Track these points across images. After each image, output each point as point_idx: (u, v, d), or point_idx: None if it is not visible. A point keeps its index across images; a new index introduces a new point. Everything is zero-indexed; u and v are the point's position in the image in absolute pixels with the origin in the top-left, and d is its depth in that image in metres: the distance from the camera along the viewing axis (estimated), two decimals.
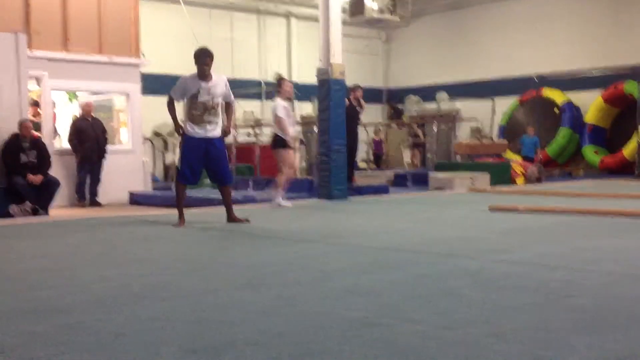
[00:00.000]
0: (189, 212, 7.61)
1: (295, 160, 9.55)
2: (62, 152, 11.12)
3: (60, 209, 10.03)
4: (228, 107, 7.30)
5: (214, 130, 7.06)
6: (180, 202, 7.20)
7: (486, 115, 18.92)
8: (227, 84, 7.19)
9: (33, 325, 3.05)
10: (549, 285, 3.82)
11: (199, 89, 6.96)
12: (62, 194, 10.36)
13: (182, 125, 7.10)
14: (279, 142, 9.08)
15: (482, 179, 12.99)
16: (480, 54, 20.42)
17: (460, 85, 20.37)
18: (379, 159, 18.87)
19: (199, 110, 6.98)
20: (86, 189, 10.97)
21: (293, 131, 9.24)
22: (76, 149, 11.01)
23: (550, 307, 3.35)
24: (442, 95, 20.45)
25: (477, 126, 19.63)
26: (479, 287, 3.78)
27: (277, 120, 9.02)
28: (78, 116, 11.62)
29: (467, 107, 20.12)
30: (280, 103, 9.08)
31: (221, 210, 7.48)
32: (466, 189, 12.09)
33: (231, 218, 7.26)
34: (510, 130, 18.68)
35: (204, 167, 7.19)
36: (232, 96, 7.28)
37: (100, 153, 11.13)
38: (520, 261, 4.64)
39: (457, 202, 9.89)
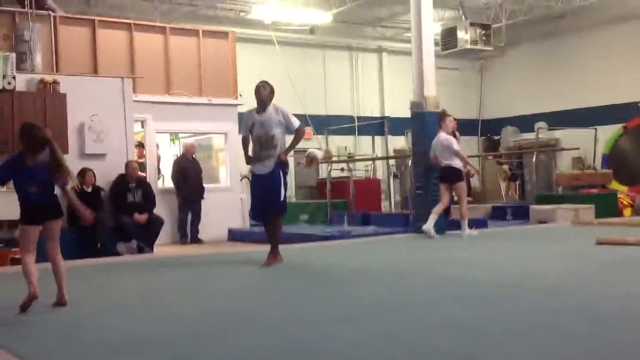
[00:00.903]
0: (287, 248, 7.67)
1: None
2: (164, 192, 11.53)
3: (162, 247, 10.36)
4: (295, 136, 6.93)
5: (272, 166, 6.74)
6: (276, 235, 6.89)
7: (588, 145, 18.22)
8: (285, 112, 6.84)
9: (142, 357, 3.14)
10: None
11: (254, 122, 6.79)
12: (165, 232, 10.72)
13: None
14: (457, 174, 9.28)
15: (587, 211, 12.45)
16: (580, 81, 19.78)
17: (559, 114, 19.75)
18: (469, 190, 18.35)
19: (256, 145, 6.79)
20: (187, 228, 11.30)
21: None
22: (180, 188, 11.39)
23: None
24: (541, 125, 19.88)
25: (579, 156, 18.93)
26: (586, 323, 3.60)
27: (456, 153, 9.26)
28: (180, 156, 12.06)
29: (567, 136, 19.45)
30: (448, 137, 9.30)
31: (319, 246, 7.50)
32: (570, 221, 11.63)
33: (270, 254, 6.83)
34: (615, 160, 17.90)
35: (267, 200, 6.84)
36: (296, 123, 6.88)
37: (201, 192, 11.47)
38: (630, 296, 4.39)
39: (561, 235, 9.51)
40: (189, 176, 11.39)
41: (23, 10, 10.02)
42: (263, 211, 6.98)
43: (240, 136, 7.20)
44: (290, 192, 17.16)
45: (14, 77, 9.13)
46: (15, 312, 4.47)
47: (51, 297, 4.77)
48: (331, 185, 14.17)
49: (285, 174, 6.86)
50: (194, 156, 11.79)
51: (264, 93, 6.83)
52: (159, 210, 10.31)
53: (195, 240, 11.21)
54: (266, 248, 7.21)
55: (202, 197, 11.47)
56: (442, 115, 9.58)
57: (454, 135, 11.56)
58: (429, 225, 9.08)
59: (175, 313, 4.37)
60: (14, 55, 9.32)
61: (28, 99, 9.29)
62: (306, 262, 7.08)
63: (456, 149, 9.28)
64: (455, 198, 9.68)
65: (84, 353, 3.31)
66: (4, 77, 9.02)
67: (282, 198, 6.77)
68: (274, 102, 6.91)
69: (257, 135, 6.77)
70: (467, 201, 9.87)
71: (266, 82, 6.96)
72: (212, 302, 4.83)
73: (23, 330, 4.01)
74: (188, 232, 11.25)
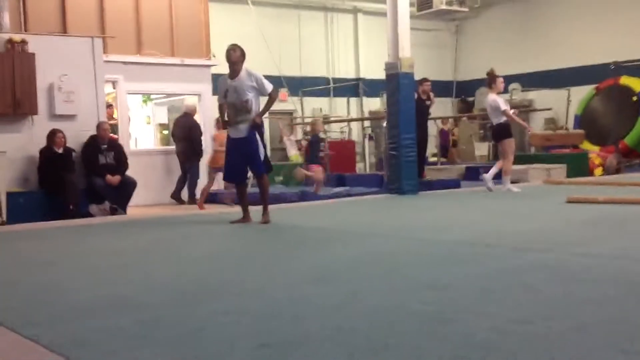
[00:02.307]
0: (260, 209, 7.68)
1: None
2: (136, 154, 11.41)
3: (139, 208, 10.30)
4: (268, 99, 6.95)
5: (247, 129, 6.84)
6: (240, 200, 7.30)
7: (561, 105, 18.36)
8: (258, 76, 6.85)
9: (113, 320, 3.14)
10: (632, 279, 3.67)
11: (227, 88, 6.85)
12: (145, 194, 10.69)
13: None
14: (503, 131, 9.80)
15: (559, 170, 12.61)
16: (554, 42, 19.84)
17: (533, 75, 19.85)
18: (446, 151, 18.49)
19: (231, 111, 6.87)
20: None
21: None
22: (194, 147, 11.29)
23: (634, 299, 3.21)
24: (515, 86, 19.97)
25: (552, 117, 19.09)
26: (558, 281, 3.66)
27: (504, 113, 9.71)
28: (184, 115, 11.76)
29: (541, 97, 19.60)
30: (496, 98, 9.78)
31: (294, 207, 7.52)
32: (542, 181, 11.77)
33: (263, 214, 7.09)
34: (587, 120, 18.07)
35: (246, 164, 7.03)
36: (269, 87, 6.89)
37: (200, 152, 11.38)
38: (600, 254, 4.47)
39: (533, 194, 9.62)
40: (196, 136, 11.30)
41: None
42: (237, 174, 7.15)
43: (216, 98, 7.16)
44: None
45: None
46: None
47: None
48: (306, 147, 14.13)
49: (261, 134, 6.96)
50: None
51: (234, 56, 6.82)
52: (132, 172, 10.21)
53: (193, 200, 11.08)
54: (237, 209, 7.25)
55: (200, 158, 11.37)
56: (492, 76, 9.96)
57: (428, 98, 11.61)
58: (507, 186, 9.79)
59: (148, 276, 4.36)
60: None
61: None
62: (282, 224, 7.10)
63: (503, 108, 9.69)
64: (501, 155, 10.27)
65: (53, 315, 3.29)
66: None
67: (262, 158, 6.93)
68: (246, 67, 6.91)
69: (231, 100, 6.83)
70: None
71: (236, 45, 6.95)
72: (185, 266, 4.83)
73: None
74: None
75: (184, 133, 11.44)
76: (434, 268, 4.22)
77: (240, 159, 6.97)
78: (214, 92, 12.48)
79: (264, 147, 7.02)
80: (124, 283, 4.11)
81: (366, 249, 5.16)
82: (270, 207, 7.37)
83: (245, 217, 7.15)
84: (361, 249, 5.16)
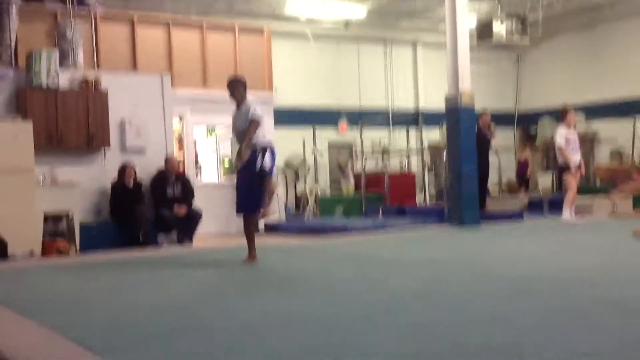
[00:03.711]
0: (320, 240, 7.79)
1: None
2: (203, 186, 11.72)
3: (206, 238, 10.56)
4: (248, 127, 6.49)
5: (243, 162, 6.56)
6: (247, 235, 6.74)
7: (627, 137, 17.96)
8: (253, 106, 6.55)
9: (192, 346, 3.28)
10: None
11: (233, 119, 6.76)
12: (209, 224, 10.96)
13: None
14: (561, 167, 10.20)
15: (625, 203, 12.33)
16: (618, 71, 19.48)
17: (597, 105, 19.50)
18: (523, 182, 18.10)
19: (237, 141, 6.74)
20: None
21: (577, 157, 10.06)
22: None
23: None
24: (578, 117, 19.64)
25: (618, 148, 18.66)
26: (622, 316, 3.64)
27: (557, 148, 10.07)
28: None
29: (605, 128, 19.21)
30: (561, 132, 10.00)
31: (350, 238, 7.59)
32: (607, 214, 11.54)
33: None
34: None
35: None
36: (254, 115, 6.47)
37: None
38: None
39: (598, 227, 9.46)
40: None
41: (65, 7, 10.28)
42: (240, 205, 6.71)
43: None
44: (324, 184, 17.32)
45: (57, 73, 9.39)
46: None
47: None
48: (366, 179, 14.25)
49: (255, 159, 6.52)
50: None
51: (230, 87, 6.69)
52: (199, 203, 10.49)
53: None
54: (301, 240, 7.33)
55: None
56: (562, 111, 10.27)
57: (488, 128, 11.59)
58: (566, 218, 9.89)
59: (222, 306, 4.50)
60: (57, 51, 9.58)
61: (71, 97, 9.56)
62: (343, 253, 7.18)
63: (558, 142, 9.97)
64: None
65: (133, 338, 3.46)
66: (48, 73, 9.29)
67: (254, 195, 6.56)
68: (249, 97, 6.71)
69: (233, 131, 6.80)
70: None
71: (235, 76, 7.05)
72: (254, 298, 4.95)
73: (83, 316, 4.19)
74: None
75: None
76: (496, 302, 4.24)
77: (240, 189, 6.66)
78: (275, 124, 12.80)
79: (269, 165, 6.57)
80: (192, 313, 4.27)
81: (427, 280, 5.19)
82: (335, 237, 7.40)
83: (251, 256, 6.68)
84: (422, 280, 5.20)
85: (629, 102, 18.91)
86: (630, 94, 18.97)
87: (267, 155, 6.59)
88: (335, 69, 18.27)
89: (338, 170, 17.51)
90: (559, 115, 10.15)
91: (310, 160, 15.93)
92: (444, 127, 11.42)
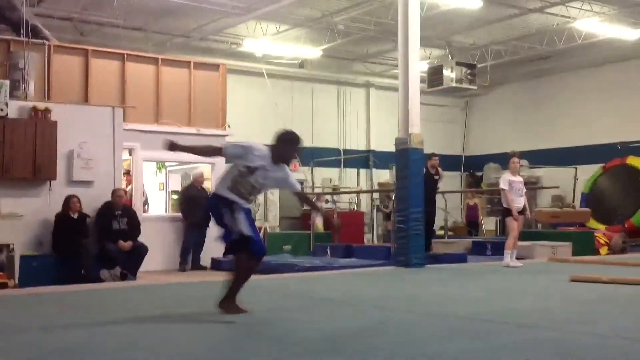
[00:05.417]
0: (268, 278, 7.80)
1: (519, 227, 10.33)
2: (150, 219, 11.61)
3: (153, 274, 10.41)
4: (304, 199, 7.23)
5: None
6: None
7: (569, 183, 18.56)
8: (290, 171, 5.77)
9: None
10: (634, 358, 3.77)
11: (260, 168, 5.50)
12: (155, 259, 10.85)
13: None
14: (505, 209, 10.27)
15: (564, 248, 12.69)
16: (561, 121, 20.23)
17: (541, 152, 20.14)
18: (476, 227, 18.40)
19: (246, 189, 5.54)
20: (189, 255, 11.60)
21: (520, 202, 10.19)
22: (186, 216, 11.73)
23: None
24: (523, 163, 20.22)
25: (559, 194, 19.25)
26: (556, 356, 3.77)
27: (501, 192, 10.30)
28: (188, 185, 12.43)
29: (548, 174, 19.83)
30: (505, 177, 10.24)
31: (301, 276, 7.63)
32: (547, 258, 11.85)
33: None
34: (594, 199, 18.22)
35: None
36: (297, 183, 5.96)
37: (208, 220, 11.57)
38: (603, 334, 4.57)
39: (538, 271, 9.71)
40: (197, 205, 11.51)
41: (18, 38, 10.21)
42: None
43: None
44: (274, 221, 17.33)
45: (6, 104, 9.29)
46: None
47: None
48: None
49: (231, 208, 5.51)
50: (202, 186, 12.06)
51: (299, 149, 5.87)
52: (144, 237, 10.39)
53: (197, 266, 11.49)
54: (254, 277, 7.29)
55: (208, 226, 11.31)
56: (509, 157, 10.51)
57: (437, 172, 11.87)
58: (506, 261, 10.01)
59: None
60: (7, 82, 9.50)
61: (20, 126, 9.43)
62: (288, 292, 7.21)
63: (501, 187, 10.20)
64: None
65: None
66: None
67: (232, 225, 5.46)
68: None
69: (254, 182, 5.57)
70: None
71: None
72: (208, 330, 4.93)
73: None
74: (189, 259, 11.53)
75: (182, 201, 12.15)
76: (439, 343, 4.33)
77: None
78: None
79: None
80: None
81: (372, 320, 5.26)
82: (281, 275, 7.41)
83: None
84: (368, 320, 5.27)
85: (571, 151, 19.61)
86: (573, 143, 19.68)
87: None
88: (290, 107, 18.49)
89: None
90: (505, 160, 10.42)
91: (260, 197, 15.94)
92: (394, 168, 11.62)
